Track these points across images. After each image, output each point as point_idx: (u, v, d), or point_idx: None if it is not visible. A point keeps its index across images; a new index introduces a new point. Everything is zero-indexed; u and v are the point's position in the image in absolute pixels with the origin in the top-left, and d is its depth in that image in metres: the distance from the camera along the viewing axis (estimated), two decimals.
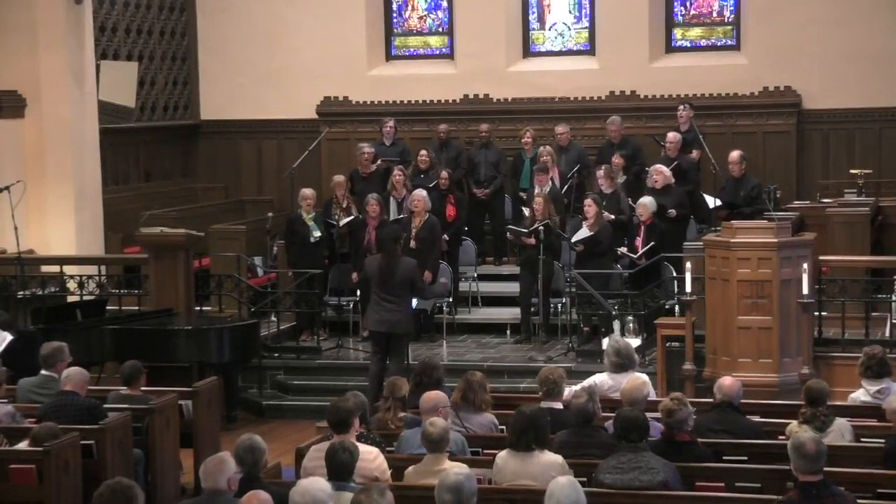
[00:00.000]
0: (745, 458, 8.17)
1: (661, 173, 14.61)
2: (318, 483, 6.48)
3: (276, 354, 14.30)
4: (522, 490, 7.38)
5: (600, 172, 14.87)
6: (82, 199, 15.52)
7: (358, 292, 14.51)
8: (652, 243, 13.70)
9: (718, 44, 17.96)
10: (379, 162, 15.97)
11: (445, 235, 14.80)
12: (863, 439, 8.49)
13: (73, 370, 9.62)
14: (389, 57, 18.84)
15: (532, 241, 13.96)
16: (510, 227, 14.69)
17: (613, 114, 16.56)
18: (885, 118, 17.05)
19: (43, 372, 10.13)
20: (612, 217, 14.23)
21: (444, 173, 15.33)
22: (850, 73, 16.94)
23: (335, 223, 14.89)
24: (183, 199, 18.36)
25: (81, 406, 9.39)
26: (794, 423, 8.44)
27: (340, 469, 6.95)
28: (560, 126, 16.22)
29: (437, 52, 18.77)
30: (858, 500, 6.90)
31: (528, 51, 18.43)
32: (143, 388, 10.28)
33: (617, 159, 15.42)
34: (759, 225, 12.11)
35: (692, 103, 16.31)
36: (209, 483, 6.85)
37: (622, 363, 9.61)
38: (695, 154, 15.78)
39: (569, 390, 8.96)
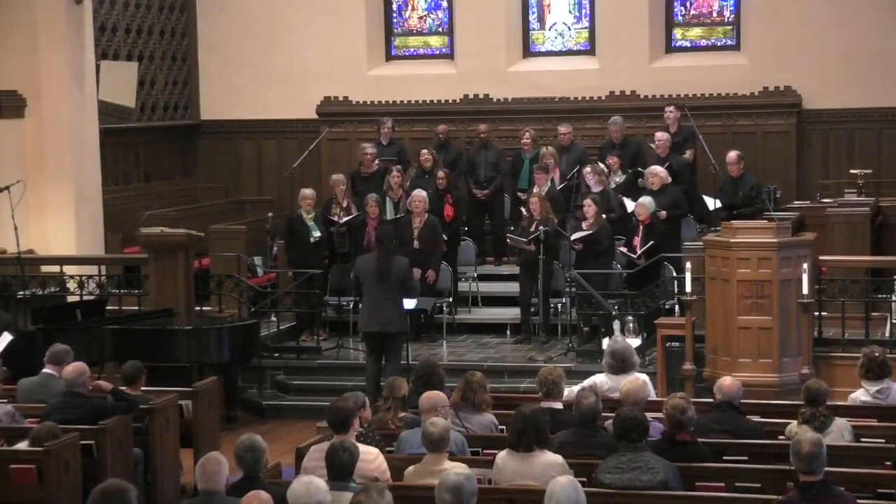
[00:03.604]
0: (745, 458, 8.17)
1: (656, 175, 14.61)
2: (314, 482, 6.48)
3: (276, 354, 14.30)
4: (522, 490, 7.38)
5: (588, 170, 14.85)
6: (82, 199, 15.52)
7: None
8: (651, 242, 13.70)
9: (718, 44, 17.96)
10: (377, 162, 15.97)
11: (444, 235, 14.81)
12: (863, 439, 8.49)
13: (71, 370, 9.55)
14: (389, 57, 18.85)
15: (532, 248, 13.97)
16: (510, 235, 14.70)
17: (613, 114, 16.57)
18: (885, 118, 17.06)
19: (44, 371, 10.12)
20: (603, 215, 14.23)
21: (440, 173, 15.33)
22: (850, 73, 16.95)
23: (335, 220, 14.90)
24: (183, 199, 18.37)
25: (85, 406, 9.36)
26: (794, 423, 8.45)
27: (341, 469, 6.95)
28: (563, 126, 16.21)
29: (437, 52, 18.77)
30: (858, 500, 6.90)
31: (528, 51, 18.44)
32: (143, 388, 10.27)
33: (612, 159, 15.42)
34: (758, 225, 12.11)
35: (679, 104, 16.30)
36: (209, 484, 6.84)
37: (620, 365, 9.59)
38: (688, 154, 15.79)
39: (568, 390, 8.97)
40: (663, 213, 14.23)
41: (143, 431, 9.83)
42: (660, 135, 15.59)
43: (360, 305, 13.14)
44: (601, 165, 15.21)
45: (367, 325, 12.65)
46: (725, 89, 17.40)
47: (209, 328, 12.98)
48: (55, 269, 14.52)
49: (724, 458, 8.15)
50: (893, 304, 12.98)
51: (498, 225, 16.17)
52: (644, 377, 9.12)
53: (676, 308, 13.05)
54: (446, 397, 8.52)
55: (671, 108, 16.10)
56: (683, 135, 15.83)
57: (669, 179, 14.70)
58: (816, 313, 12.31)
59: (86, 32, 15.78)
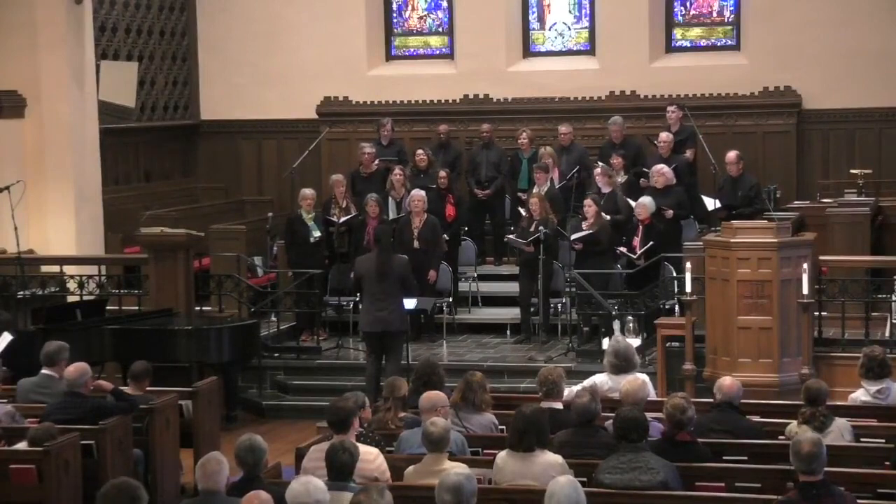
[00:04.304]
0: (745, 458, 8.17)
1: (662, 174, 14.60)
2: (313, 482, 6.48)
3: (276, 354, 14.30)
4: (522, 490, 7.38)
5: (598, 171, 14.87)
6: (82, 199, 15.52)
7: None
8: (651, 243, 13.70)
9: (718, 44, 17.96)
10: (377, 162, 15.99)
11: (445, 235, 14.82)
12: (863, 439, 8.50)
13: (73, 370, 9.55)
14: (389, 57, 18.85)
15: (531, 249, 13.98)
16: (509, 237, 14.71)
17: (613, 114, 16.56)
18: (885, 118, 17.06)
19: (43, 371, 10.11)
20: (609, 217, 14.23)
21: (442, 172, 15.34)
22: (850, 73, 16.94)
23: (334, 220, 14.91)
24: (183, 199, 18.37)
25: (86, 406, 9.36)
26: (794, 423, 8.45)
27: (341, 469, 6.95)
28: (563, 126, 16.20)
29: (437, 52, 18.77)
30: (858, 500, 6.90)
31: (528, 51, 18.44)
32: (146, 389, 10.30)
33: (616, 160, 15.41)
34: (758, 225, 12.11)
35: (680, 104, 16.31)
36: (209, 484, 6.84)
37: (621, 365, 9.61)
38: (689, 154, 15.80)
39: (569, 390, 8.97)
40: (670, 212, 14.23)
41: (143, 431, 9.83)
42: (663, 135, 15.59)
43: (360, 305, 13.14)
44: (604, 166, 15.17)
45: (368, 325, 12.66)
46: (725, 89, 17.40)
47: (209, 328, 12.98)
48: (55, 269, 14.52)
49: (724, 458, 8.15)
50: (893, 304, 12.98)
51: (498, 225, 16.18)
52: (644, 377, 9.12)
53: (676, 308, 13.06)
54: (446, 397, 8.52)
55: (673, 107, 16.09)
56: (685, 134, 15.83)
57: (674, 180, 14.70)
58: (816, 313, 12.31)
59: (86, 32, 15.78)
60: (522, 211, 14.64)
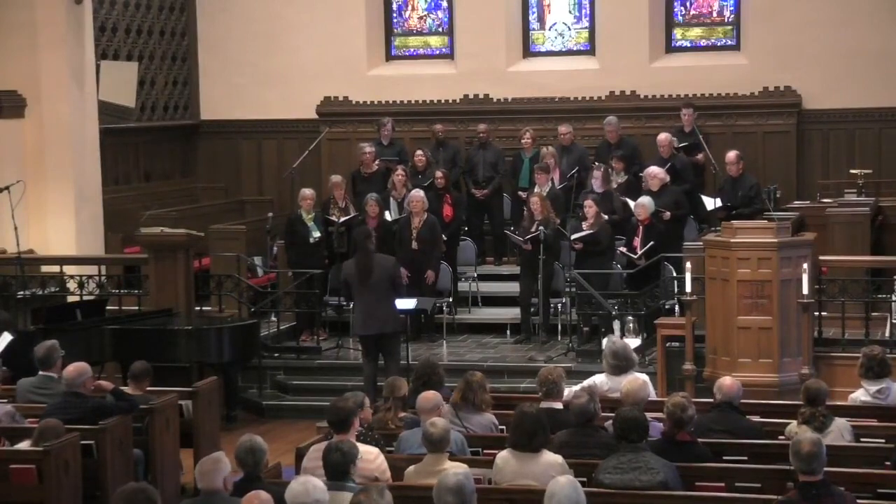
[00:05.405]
0: (745, 458, 8.18)
1: (654, 176, 14.59)
2: (312, 481, 6.49)
3: (276, 354, 14.30)
4: (522, 490, 7.38)
5: (598, 173, 14.84)
6: (82, 199, 15.52)
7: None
8: (651, 243, 13.70)
9: (718, 44, 17.96)
10: (378, 162, 16.00)
11: (444, 235, 14.81)
12: (863, 439, 8.50)
13: (73, 370, 9.54)
14: (389, 57, 18.85)
15: (529, 247, 13.97)
16: (508, 233, 14.70)
17: (613, 114, 16.56)
18: (885, 118, 17.05)
19: (41, 373, 10.10)
20: (605, 217, 14.22)
21: (439, 173, 15.34)
22: (850, 73, 16.94)
23: (334, 220, 14.91)
24: (183, 199, 18.37)
25: (86, 406, 9.36)
26: (794, 423, 8.45)
27: (334, 469, 6.95)
28: (563, 126, 16.19)
29: (437, 52, 18.77)
30: (858, 500, 6.90)
31: (528, 51, 18.43)
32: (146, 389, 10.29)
33: (616, 163, 15.38)
34: (758, 225, 12.11)
35: (695, 105, 16.30)
36: (206, 483, 6.86)
37: (620, 365, 9.61)
38: (701, 156, 15.72)
39: (568, 390, 8.97)
40: (667, 213, 14.22)
41: (143, 431, 9.83)
42: (662, 137, 15.56)
43: (354, 308, 13.08)
44: (606, 167, 15.13)
45: (362, 327, 12.63)
46: (725, 89, 17.40)
47: (209, 328, 12.99)
48: (55, 269, 14.52)
49: (724, 458, 8.15)
50: (893, 304, 12.98)
51: (497, 225, 16.18)
52: (644, 377, 9.13)
53: (676, 308, 13.05)
54: (441, 396, 8.51)
55: (690, 109, 16.04)
56: (697, 136, 15.66)
57: (668, 179, 14.69)
58: (816, 313, 12.31)
59: (86, 32, 15.78)
60: (526, 211, 14.62)
